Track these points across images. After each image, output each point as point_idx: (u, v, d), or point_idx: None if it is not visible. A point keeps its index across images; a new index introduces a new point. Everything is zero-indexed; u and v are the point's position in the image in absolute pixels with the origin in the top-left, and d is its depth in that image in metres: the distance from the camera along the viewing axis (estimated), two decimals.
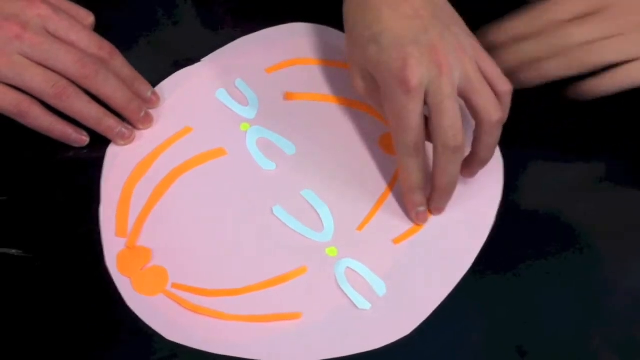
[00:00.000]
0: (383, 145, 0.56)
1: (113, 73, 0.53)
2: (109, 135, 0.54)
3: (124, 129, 0.54)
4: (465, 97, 0.50)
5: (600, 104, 0.58)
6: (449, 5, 0.53)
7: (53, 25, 0.52)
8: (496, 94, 0.51)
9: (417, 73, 0.48)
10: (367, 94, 0.53)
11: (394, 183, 0.54)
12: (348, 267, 0.50)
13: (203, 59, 0.60)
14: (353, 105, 0.58)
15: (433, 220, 0.53)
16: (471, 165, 0.53)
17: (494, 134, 0.51)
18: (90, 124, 0.53)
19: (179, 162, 0.54)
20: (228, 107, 0.57)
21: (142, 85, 0.55)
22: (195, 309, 0.47)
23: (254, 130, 0.56)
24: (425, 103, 0.49)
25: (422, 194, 0.52)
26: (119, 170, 0.53)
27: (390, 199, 0.54)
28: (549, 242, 0.53)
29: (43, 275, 0.48)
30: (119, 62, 0.54)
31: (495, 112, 0.50)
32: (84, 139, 0.53)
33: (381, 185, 0.54)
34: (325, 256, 0.51)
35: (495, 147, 0.52)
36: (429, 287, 0.50)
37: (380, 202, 0.53)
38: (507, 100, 0.51)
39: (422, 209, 0.52)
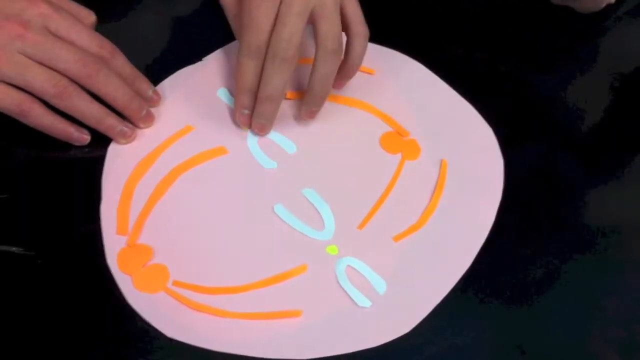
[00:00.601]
0: (384, 144, 0.56)
1: (114, 72, 0.53)
2: (110, 134, 0.54)
3: (125, 128, 0.54)
4: (313, 21, 0.52)
5: (599, 103, 0.58)
6: None
7: (54, 24, 0.52)
8: (350, 33, 0.54)
9: None
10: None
11: (395, 182, 0.54)
12: (349, 266, 0.50)
13: (204, 58, 0.60)
14: (354, 105, 0.58)
15: (434, 219, 0.53)
16: (306, 99, 0.55)
17: (328, 64, 0.53)
18: (92, 123, 0.53)
19: (180, 160, 0.54)
20: (229, 105, 0.57)
21: (143, 84, 0.55)
22: (196, 307, 0.48)
23: None
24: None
25: (251, 97, 0.54)
26: (120, 168, 0.53)
27: (391, 197, 0.54)
28: (549, 241, 0.53)
29: (44, 274, 0.48)
30: (120, 61, 0.54)
31: (333, 41, 0.52)
32: (85, 137, 0.53)
33: (382, 183, 0.54)
34: (325, 254, 0.51)
35: (329, 83, 0.54)
36: (429, 285, 0.50)
37: (380, 200, 0.53)
38: (358, 41, 0.54)
39: (246, 112, 0.54)
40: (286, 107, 0.58)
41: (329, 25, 0.52)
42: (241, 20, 0.53)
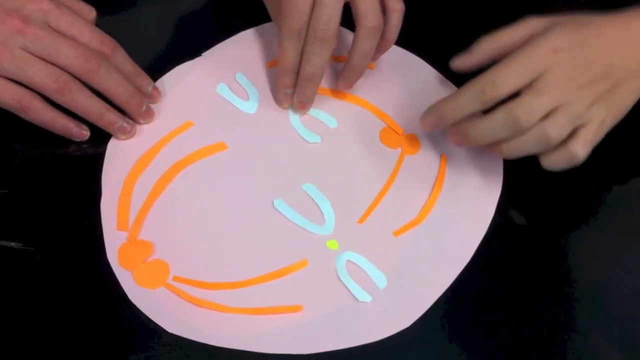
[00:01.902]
0: (384, 139, 0.56)
1: (115, 68, 0.53)
2: (111, 130, 0.54)
3: (125, 124, 0.54)
4: (351, 1, 0.53)
5: None
6: None
7: (55, 19, 0.52)
8: (387, 9, 0.54)
9: None
10: None
11: (395, 176, 0.54)
12: (349, 260, 0.50)
13: (204, 53, 0.60)
14: (352, 100, 0.58)
15: (434, 213, 0.53)
16: (345, 73, 0.56)
17: (368, 40, 0.54)
18: (92, 118, 0.53)
19: (180, 156, 0.54)
20: (229, 101, 0.57)
21: (144, 80, 0.55)
22: (197, 302, 0.48)
23: None
24: None
25: (293, 77, 0.55)
26: (120, 164, 0.53)
27: (391, 192, 0.54)
28: (548, 237, 0.53)
29: (44, 269, 0.48)
30: (121, 56, 0.54)
31: (372, 18, 0.53)
32: (85, 133, 0.53)
33: (382, 178, 0.54)
34: (326, 249, 0.51)
35: (368, 58, 0.55)
36: (429, 280, 0.50)
37: (380, 195, 0.54)
38: (394, 17, 0.55)
39: (289, 91, 0.56)
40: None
41: (368, 2, 0.53)
42: (281, 4, 0.53)
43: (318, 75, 0.55)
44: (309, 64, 0.54)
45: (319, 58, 0.53)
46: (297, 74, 0.55)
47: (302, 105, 0.57)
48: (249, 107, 0.57)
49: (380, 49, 0.56)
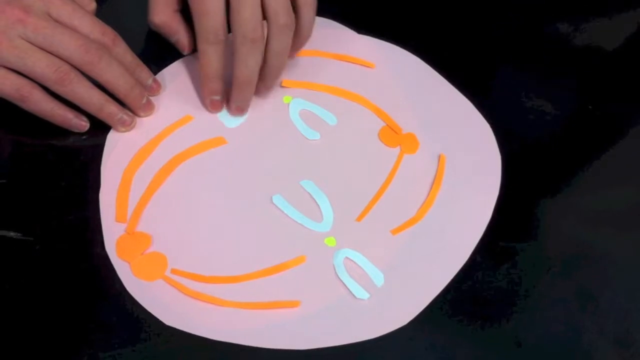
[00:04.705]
0: (383, 137, 0.57)
1: (115, 59, 0.53)
2: (110, 122, 0.54)
3: (125, 116, 0.54)
4: (262, 0, 0.52)
5: (598, 101, 0.58)
6: None
7: (56, 10, 0.52)
8: (296, 4, 0.53)
9: None
10: None
11: (393, 175, 0.55)
12: (346, 257, 0.50)
13: None
14: (352, 98, 0.59)
15: (432, 212, 0.53)
16: (263, 76, 0.55)
17: (282, 38, 0.53)
18: (92, 110, 0.53)
19: (179, 149, 0.54)
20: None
21: (144, 72, 0.55)
22: (194, 295, 0.48)
23: None
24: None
25: (219, 82, 0.54)
26: (119, 156, 0.53)
27: (389, 190, 0.54)
28: (546, 236, 0.53)
29: (42, 259, 0.48)
30: (122, 48, 0.54)
31: (283, 15, 0.52)
32: (84, 124, 0.53)
33: (380, 176, 0.54)
34: (324, 246, 0.51)
35: (284, 57, 0.54)
36: (426, 278, 0.50)
37: (379, 193, 0.54)
38: (305, 11, 0.54)
39: (217, 97, 0.55)
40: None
41: (278, 1, 0.52)
42: (191, 8, 0.53)
43: (254, 78, 0.54)
44: (245, 67, 0.53)
45: (252, 59, 0.52)
46: (221, 78, 0.54)
47: (239, 109, 0.56)
48: None
49: (295, 46, 0.55)
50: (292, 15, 0.53)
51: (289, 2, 0.53)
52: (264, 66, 0.54)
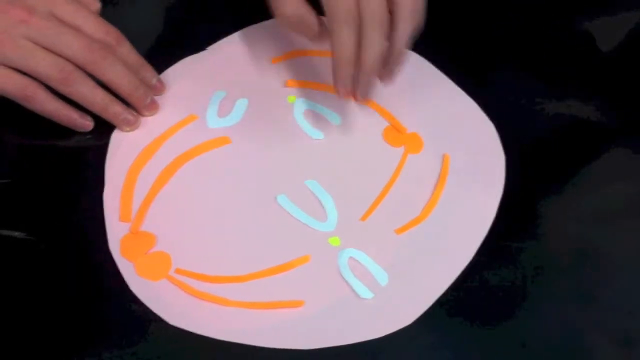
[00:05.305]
0: (387, 137, 0.57)
1: (119, 59, 0.53)
2: (115, 122, 0.54)
3: (129, 116, 0.54)
4: None
5: (601, 102, 0.58)
6: None
7: (59, 10, 0.52)
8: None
9: None
10: None
11: (397, 175, 0.55)
12: (351, 257, 0.50)
13: (208, 47, 0.60)
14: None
15: (436, 212, 0.53)
16: (388, 60, 0.52)
17: (408, 20, 0.51)
18: (96, 109, 0.53)
19: (183, 149, 0.54)
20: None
21: (148, 72, 0.55)
22: (198, 295, 0.48)
23: None
24: None
25: (352, 67, 0.51)
26: (124, 155, 0.53)
27: (393, 190, 0.54)
28: (550, 235, 0.53)
29: (47, 259, 0.48)
30: (126, 48, 0.54)
31: (410, 3, 0.51)
32: (88, 124, 0.53)
33: (384, 176, 0.54)
34: (328, 246, 0.51)
35: (408, 39, 0.52)
36: (430, 277, 0.50)
37: (383, 193, 0.54)
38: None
39: (349, 82, 0.52)
40: None
41: None
42: None
43: (380, 63, 0.51)
44: (373, 52, 0.50)
45: (379, 43, 0.50)
46: (354, 62, 0.51)
47: (367, 95, 0.54)
48: None
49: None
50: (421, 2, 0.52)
51: None
52: (390, 50, 0.52)
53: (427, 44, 0.61)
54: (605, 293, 0.51)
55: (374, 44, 0.50)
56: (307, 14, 0.52)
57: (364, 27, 0.50)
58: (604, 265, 0.52)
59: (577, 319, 0.49)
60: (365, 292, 0.49)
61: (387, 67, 0.53)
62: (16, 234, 0.49)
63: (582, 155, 0.58)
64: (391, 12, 0.51)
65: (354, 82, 0.53)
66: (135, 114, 0.54)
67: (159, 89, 0.56)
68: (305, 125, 0.56)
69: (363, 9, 0.49)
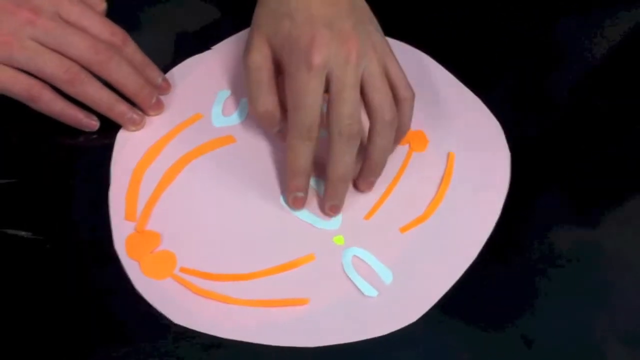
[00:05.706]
0: None
1: (125, 59, 0.53)
2: (120, 121, 0.54)
3: (135, 115, 0.54)
4: (363, 92, 0.50)
5: (610, 100, 0.58)
6: (367, 6, 0.53)
7: (66, 11, 0.52)
8: (397, 99, 0.51)
9: (323, 53, 0.48)
10: (255, 69, 0.52)
11: (402, 173, 0.55)
12: (355, 256, 0.50)
13: (214, 47, 0.60)
14: None
15: (440, 210, 0.53)
16: (364, 172, 0.52)
17: (386, 134, 0.50)
18: (102, 109, 0.53)
19: (188, 148, 0.54)
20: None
21: (153, 72, 0.56)
22: (203, 293, 0.48)
23: None
24: (326, 91, 0.49)
25: (305, 179, 0.51)
26: (129, 155, 0.53)
27: (398, 188, 0.54)
28: (555, 233, 0.53)
29: (52, 258, 0.48)
30: (131, 48, 0.54)
31: (389, 111, 0.50)
32: (94, 123, 0.54)
33: (389, 175, 0.54)
34: (332, 244, 0.51)
35: (388, 153, 0.52)
36: (435, 275, 0.50)
37: (387, 191, 0.54)
38: (406, 106, 0.52)
39: (301, 194, 0.51)
40: None
41: (382, 96, 0.50)
42: (288, 99, 0.50)
43: (350, 175, 0.51)
44: (342, 164, 0.50)
45: (349, 156, 0.49)
46: (308, 175, 0.51)
47: (334, 208, 0.52)
48: None
49: (394, 141, 0.52)
50: (395, 110, 0.51)
51: (392, 97, 0.51)
52: (366, 163, 0.52)
53: (432, 42, 0.62)
54: (612, 292, 0.51)
55: (342, 158, 0.50)
56: (276, 115, 0.52)
57: (332, 144, 0.49)
58: (611, 263, 0.52)
59: (583, 319, 0.49)
60: (369, 291, 0.49)
61: (364, 178, 0.53)
62: (22, 233, 0.49)
63: (589, 154, 0.58)
64: (369, 117, 0.51)
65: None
66: (140, 113, 0.55)
67: (165, 88, 0.56)
68: None
69: (334, 122, 0.49)
